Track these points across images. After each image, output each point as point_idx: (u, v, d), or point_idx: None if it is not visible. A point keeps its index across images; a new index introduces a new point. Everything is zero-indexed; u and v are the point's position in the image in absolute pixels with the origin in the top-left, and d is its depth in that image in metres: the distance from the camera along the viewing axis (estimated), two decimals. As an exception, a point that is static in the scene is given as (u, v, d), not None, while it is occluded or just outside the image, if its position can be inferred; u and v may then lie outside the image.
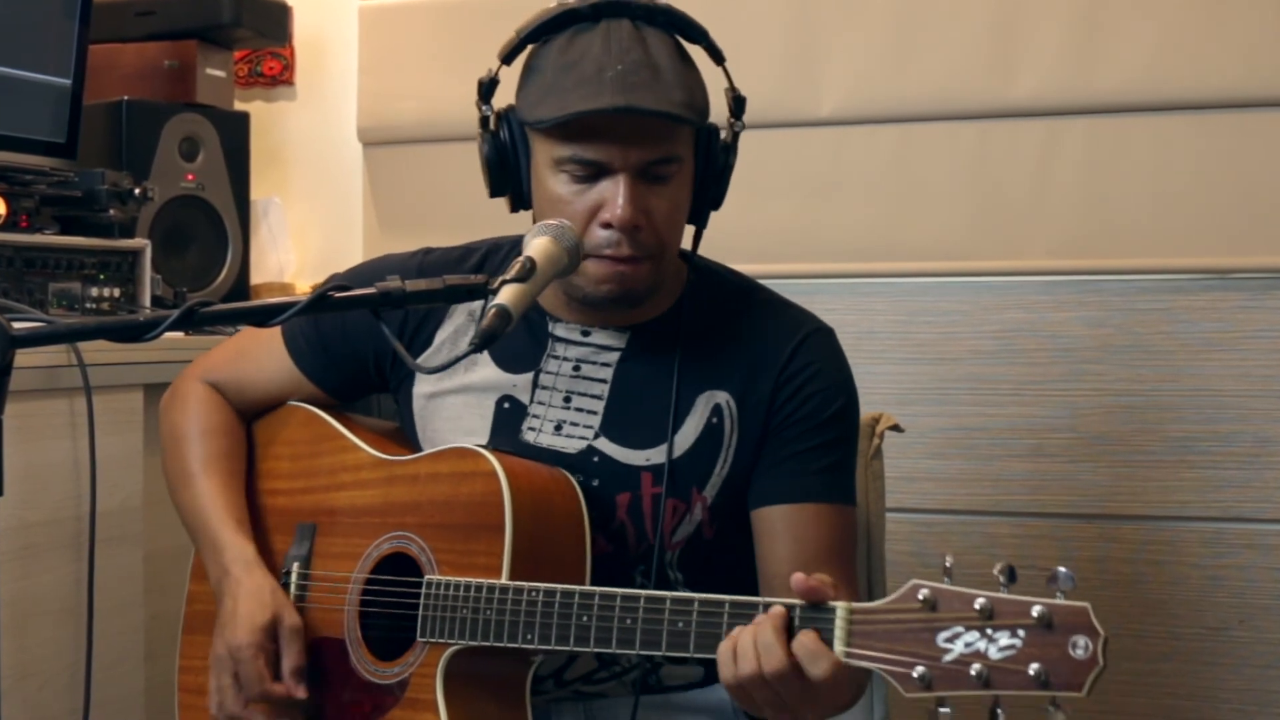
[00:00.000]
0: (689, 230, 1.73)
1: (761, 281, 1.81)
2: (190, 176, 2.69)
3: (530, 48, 1.66)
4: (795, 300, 1.79)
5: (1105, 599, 2.56)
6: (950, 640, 1.27)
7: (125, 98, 2.63)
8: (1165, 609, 2.57)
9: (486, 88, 1.68)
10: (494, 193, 1.69)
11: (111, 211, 2.34)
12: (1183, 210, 2.54)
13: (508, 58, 1.67)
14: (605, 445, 1.69)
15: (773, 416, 1.68)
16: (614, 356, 1.72)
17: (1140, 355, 2.57)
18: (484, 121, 1.67)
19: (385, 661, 1.64)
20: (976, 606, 1.26)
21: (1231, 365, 2.53)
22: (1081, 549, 2.59)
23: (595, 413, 1.70)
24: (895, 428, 2.02)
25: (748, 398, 1.69)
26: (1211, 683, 2.55)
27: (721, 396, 1.69)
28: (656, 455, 1.67)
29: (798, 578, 1.37)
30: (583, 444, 1.69)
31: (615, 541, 1.67)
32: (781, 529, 1.66)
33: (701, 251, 1.78)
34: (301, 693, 1.64)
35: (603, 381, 1.71)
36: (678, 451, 1.68)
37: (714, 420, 1.69)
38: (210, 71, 2.79)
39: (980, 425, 2.65)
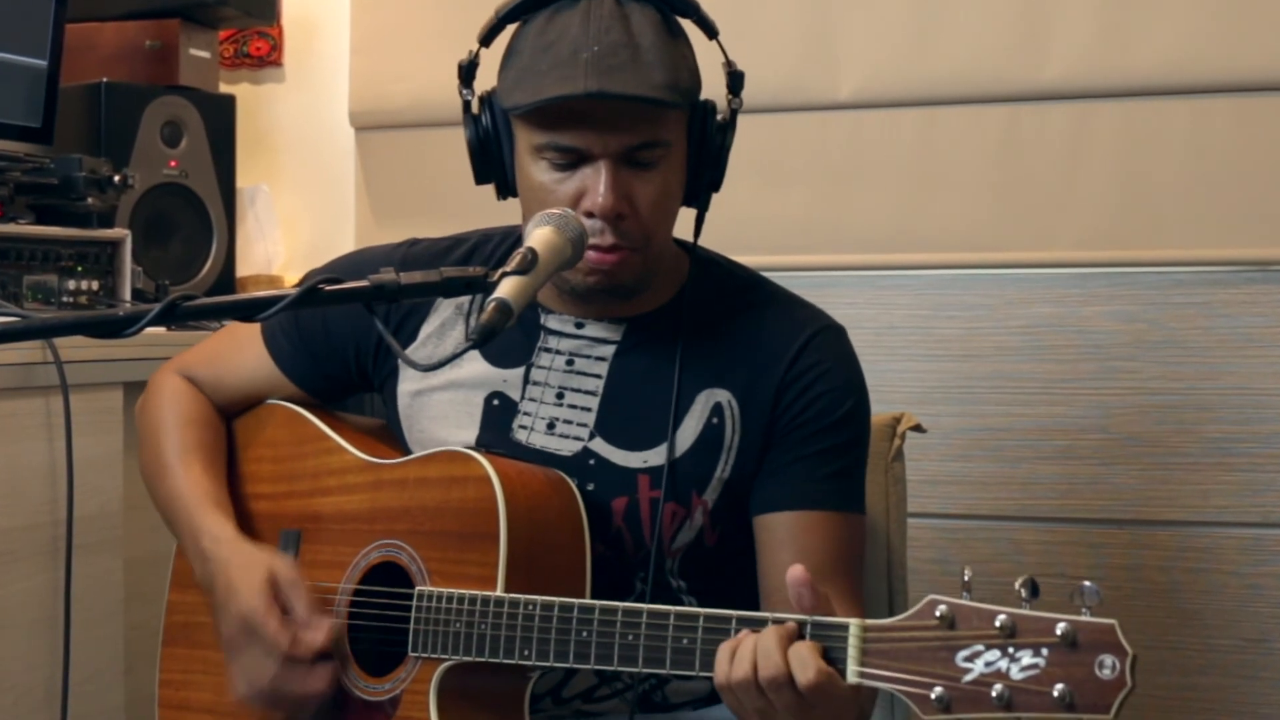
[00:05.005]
0: (691, 215, 1.72)
1: (775, 275, 1.80)
2: (173, 163, 2.69)
3: (512, 28, 1.66)
4: (811, 295, 1.78)
5: (1138, 609, 2.56)
6: (970, 659, 1.26)
7: (104, 80, 2.62)
8: (1201, 619, 2.56)
9: (466, 71, 1.69)
10: (479, 180, 1.70)
11: (89, 200, 2.34)
12: (1221, 198, 2.53)
13: (486, 39, 1.68)
14: (601, 447, 1.68)
15: (777, 419, 1.68)
16: (609, 350, 1.71)
17: (1176, 352, 2.57)
18: (466, 106, 1.68)
19: (376, 677, 1.63)
20: (997, 624, 1.26)
21: (1273, 362, 2.52)
22: (1113, 556, 2.59)
23: (590, 409, 1.70)
24: (917, 428, 2.02)
25: (751, 397, 1.68)
26: (1251, 697, 2.54)
27: (722, 395, 1.69)
28: (654, 457, 1.67)
29: (796, 569, 1.36)
30: (578, 445, 1.69)
31: (613, 547, 1.67)
32: (786, 538, 1.65)
33: (712, 243, 1.77)
34: (324, 634, 1.59)
35: (597, 377, 1.71)
36: (676, 453, 1.67)
37: (714, 420, 1.68)
38: (194, 52, 2.78)
39: (1007, 426, 2.64)
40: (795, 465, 1.67)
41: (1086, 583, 1.25)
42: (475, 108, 1.68)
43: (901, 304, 2.70)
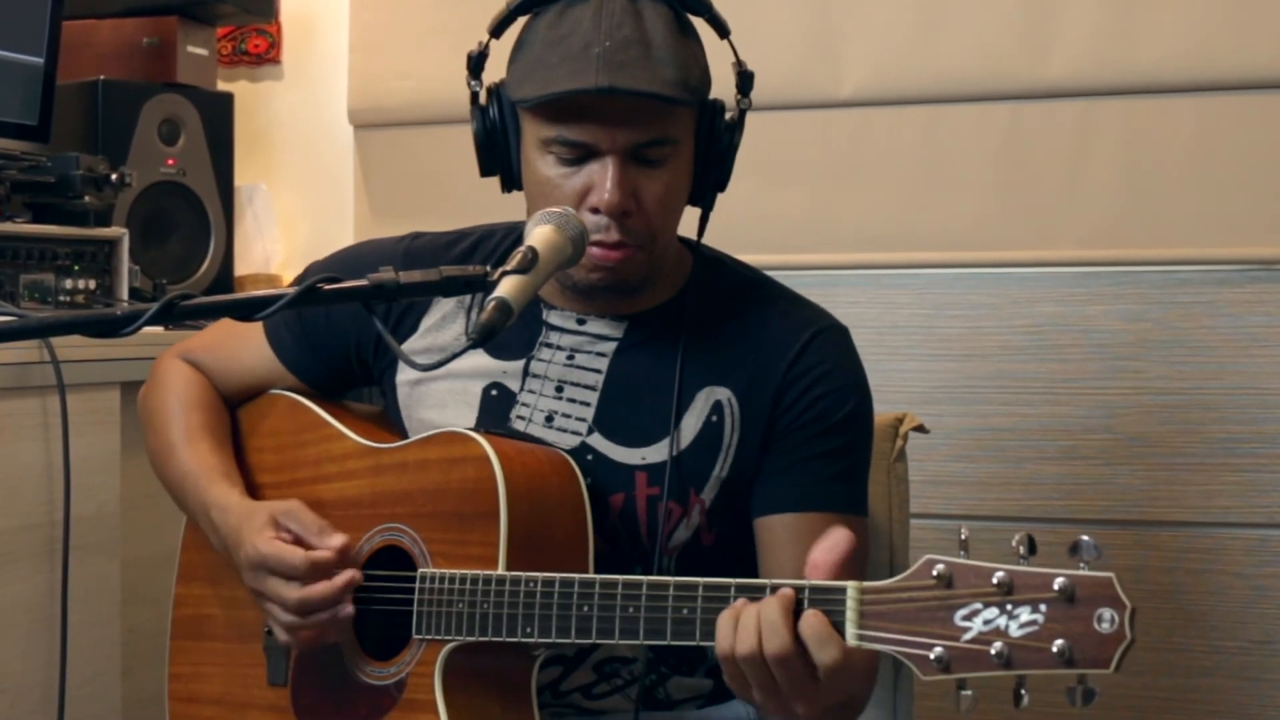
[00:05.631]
0: (696, 214, 1.73)
1: (778, 273, 1.80)
2: (170, 161, 2.68)
3: (523, 20, 1.66)
4: (813, 294, 1.78)
5: (1143, 610, 2.49)
6: (968, 618, 1.26)
7: (101, 77, 2.62)
8: (1207, 621, 2.56)
9: (475, 62, 1.69)
10: (485, 172, 1.71)
11: (87, 198, 2.34)
12: (1227, 197, 2.53)
13: (497, 30, 1.68)
14: (599, 442, 1.69)
15: (777, 419, 1.68)
16: (610, 346, 1.72)
17: (1181, 351, 2.56)
18: (474, 98, 1.69)
19: (381, 661, 1.63)
20: (995, 581, 1.26)
21: (1278, 362, 2.52)
22: (1117, 557, 2.58)
23: (589, 404, 1.70)
24: (920, 428, 2.02)
25: (751, 396, 1.68)
26: (1256, 699, 2.54)
27: (723, 393, 1.69)
28: (652, 454, 1.68)
29: (833, 550, 1.37)
30: (576, 440, 1.69)
31: (610, 542, 1.68)
32: (786, 539, 1.65)
33: (713, 241, 1.77)
34: (338, 542, 1.59)
35: (597, 372, 1.71)
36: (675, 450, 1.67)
37: (714, 419, 1.68)
38: (192, 49, 2.78)
39: (1010, 426, 2.64)
40: (796, 467, 1.67)
41: (1084, 537, 1.26)
42: (483, 99, 1.68)
43: (904, 303, 2.69)
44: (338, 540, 1.60)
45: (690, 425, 1.68)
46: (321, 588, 1.58)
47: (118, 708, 2.20)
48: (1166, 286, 2.57)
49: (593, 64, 1.54)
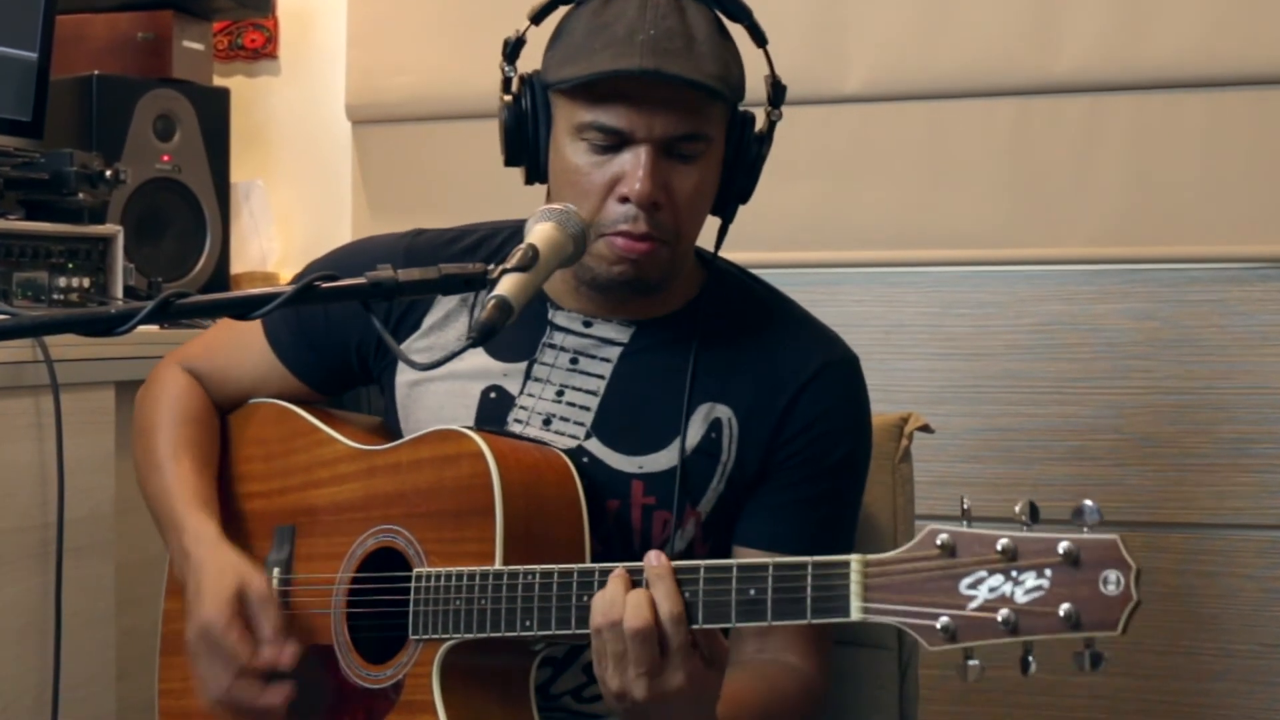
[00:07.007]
0: (715, 225, 1.73)
1: (781, 272, 1.82)
2: (166, 158, 2.68)
3: (563, 11, 1.67)
4: (818, 292, 1.79)
5: (1153, 613, 2.55)
6: (973, 586, 1.27)
7: (95, 73, 2.62)
8: (1218, 624, 2.56)
9: (512, 48, 1.69)
10: (509, 161, 1.70)
11: (81, 195, 2.33)
12: (1237, 193, 2.52)
13: (537, 17, 1.69)
14: (596, 447, 1.69)
15: (775, 451, 1.69)
16: (615, 351, 1.72)
17: (1191, 350, 2.56)
18: (506, 83, 1.68)
19: (377, 664, 1.63)
20: (999, 548, 1.26)
21: (1290, 361, 2.52)
22: (1127, 559, 2.58)
23: (588, 409, 1.70)
24: (925, 428, 2.01)
25: (752, 419, 1.69)
26: (1267, 703, 2.54)
27: (723, 411, 1.70)
28: (649, 463, 1.68)
29: None
30: (573, 444, 1.69)
31: (603, 544, 1.67)
32: None
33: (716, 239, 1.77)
34: (287, 657, 1.60)
35: (600, 377, 1.71)
36: (672, 464, 1.68)
37: (712, 435, 1.69)
38: (187, 44, 2.78)
39: (1018, 426, 2.64)
40: (781, 509, 1.69)
41: (1087, 501, 1.27)
42: (515, 85, 1.68)
43: (910, 301, 2.69)
44: (285, 657, 1.59)
45: (689, 439, 1.69)
46: (251, 691, 1.59)
47: (113, 711, 2.20)
48: (1176, 285, 2.57)
49: (638, 49, 1.55)
